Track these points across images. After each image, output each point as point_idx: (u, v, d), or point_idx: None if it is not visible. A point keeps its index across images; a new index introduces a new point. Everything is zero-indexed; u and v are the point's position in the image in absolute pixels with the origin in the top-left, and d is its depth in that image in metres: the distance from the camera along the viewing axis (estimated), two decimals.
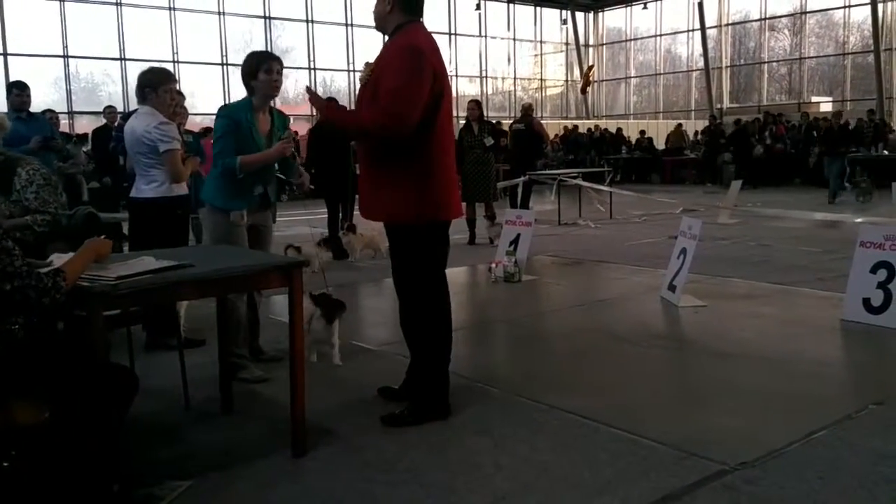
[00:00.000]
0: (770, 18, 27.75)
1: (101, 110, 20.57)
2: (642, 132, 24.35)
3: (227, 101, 22.29)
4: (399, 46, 3.27)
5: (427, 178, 3.30)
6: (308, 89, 3.55)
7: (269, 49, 23.38)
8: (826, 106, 25.92)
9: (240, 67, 4.13)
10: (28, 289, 2.33)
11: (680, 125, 24.29)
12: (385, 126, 3.17)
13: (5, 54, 19.46)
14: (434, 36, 3.43)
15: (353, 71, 24.31)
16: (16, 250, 2.35)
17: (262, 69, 4.03)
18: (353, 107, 3.77)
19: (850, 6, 25.29)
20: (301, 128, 19.75)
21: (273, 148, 4.09)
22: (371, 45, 21.75)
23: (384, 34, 3.44)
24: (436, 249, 3.45)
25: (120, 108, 18.59)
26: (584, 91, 32.05)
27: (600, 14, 32.91)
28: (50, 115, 9.04)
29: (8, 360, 2.37)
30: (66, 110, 20.00)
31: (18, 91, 7.19)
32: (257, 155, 4.05)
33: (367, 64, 3.38)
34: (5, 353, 2.37)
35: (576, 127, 25.68)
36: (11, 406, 2.29)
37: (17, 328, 2.47)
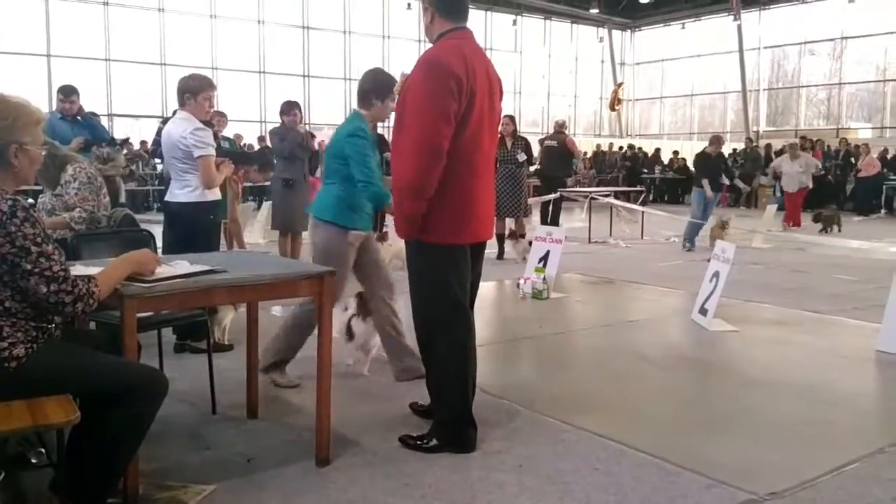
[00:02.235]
0: (809, 43, 27.45)
1: (140, 114, 21.17)
2: (675, 153, 24.17)
3: (263, 109, 22.96)
4: (422, 64, 3.15)
5: (434, 198, 3.13)
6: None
7: (306, 58, 23.72)
8: (865, 133, 25.54)
9: (359, 80, 4.10)
10: (63, 293, 2.36)
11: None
12: (418, 173, 3.08)
13: (49, 56, 19.90)
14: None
15: None
16: (55, 254, 2.38)
17: (389, 97, 4.04)
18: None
19: (891, 32, 24.92)
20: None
21: None
22: (405, 56, 21.94)
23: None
24: (442, 274, 3.22)
25: (158, 114, 18.93)
26: (613, 108, 31.93)
27: (637, 33, 32.82)
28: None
29: (41, 359, 2.39)
30: (105, 113, 20.36)
31: (63, 97, 7.30)
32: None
33: (403, 74, 3.37)
34: (40, 352, 2.40)
35: (610, 146, 25.60)
36: (43, 405, 2.32)
37: (54, 327, 2.51)
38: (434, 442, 3.27)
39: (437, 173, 3.09)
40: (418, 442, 3.29)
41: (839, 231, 13.06)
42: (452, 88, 3.05)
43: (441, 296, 3.25)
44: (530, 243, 9.14)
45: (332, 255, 3.95)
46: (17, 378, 2.34)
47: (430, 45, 3.29)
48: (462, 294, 3.29)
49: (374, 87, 4.04)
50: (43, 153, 2.57)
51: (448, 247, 3.22)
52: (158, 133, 8.17)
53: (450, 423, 3.30)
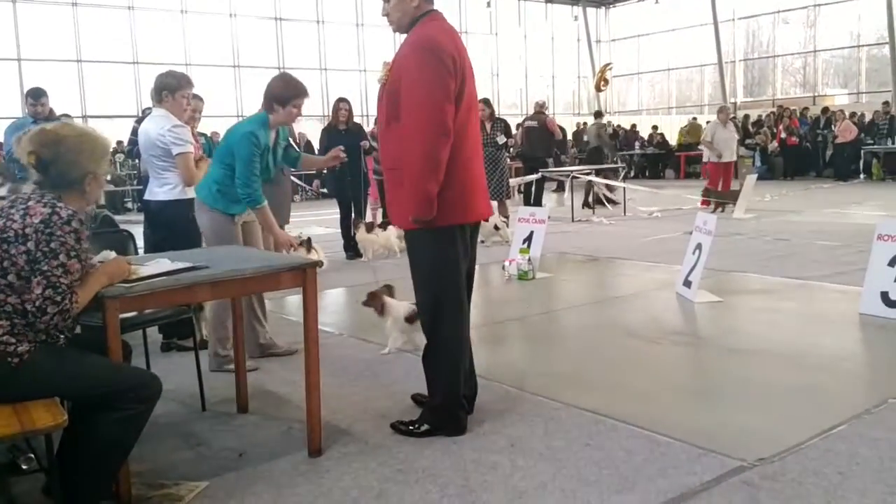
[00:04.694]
0: (783, 11, 27.51)
1: (114, 115, 20.91)
2: (654, 127, 24.24)
3: (239, 104, 22.77)
4: (414, 46, 3.11)
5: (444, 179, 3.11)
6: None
7: (280, 50, 23.53)
8: (841, 99, 25.68)
9: (267, 84, 4.14)
10: (50, 302, 2.37)
11: (695, 119, 24.13)
12: (430, 154, 3.04)
13: (19, 59, 19.63)
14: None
15: (364, 71, 24.39)
16: (74, 274, 2.42)
17: (291, 103, 4.08)
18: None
19: None
20: (312, 129, 19.76)
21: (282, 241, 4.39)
22: (381, 44, 21.78)
23: (404, 33, 3.24)
24: (453, 256, 3.22)
25: (133, 113, 18.74)
26: (599, 89, 31.87)
27: (612, 9, 32.77)
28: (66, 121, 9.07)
29: (39, 361, 2.38)
30: (79, 115, 20.12)
31: (33, 101, 7.21)
32: (273, 225, 4.28)
33: (385, 63, 3.30)
34: (38, 354, 2.39)
35: (585, 124, 25.63)
36: (30, 410, 2.31)
37: (64, 337, 2.50)
38: (425, 427, 3.28)
39: (447, 152, 3.09)
40: (410, 427, 3.30)
41: (731, 211, 11.43)
42: (450, 67, 3.06)
43: (451, 278, 3.24)
44: (496, 227, 9.16)
45: (221, 238, 4.17)
46: (15, 377, 2.33)
47: (404, 32, 3.24)
48: (455, 280, 3.27)
49: (277, 93, 4.11)
50: (108, 177, 2.59)
51: (458, 227, 3.22)
52: (134, 132, 8.10)
53: (442, 406, 3.31)
